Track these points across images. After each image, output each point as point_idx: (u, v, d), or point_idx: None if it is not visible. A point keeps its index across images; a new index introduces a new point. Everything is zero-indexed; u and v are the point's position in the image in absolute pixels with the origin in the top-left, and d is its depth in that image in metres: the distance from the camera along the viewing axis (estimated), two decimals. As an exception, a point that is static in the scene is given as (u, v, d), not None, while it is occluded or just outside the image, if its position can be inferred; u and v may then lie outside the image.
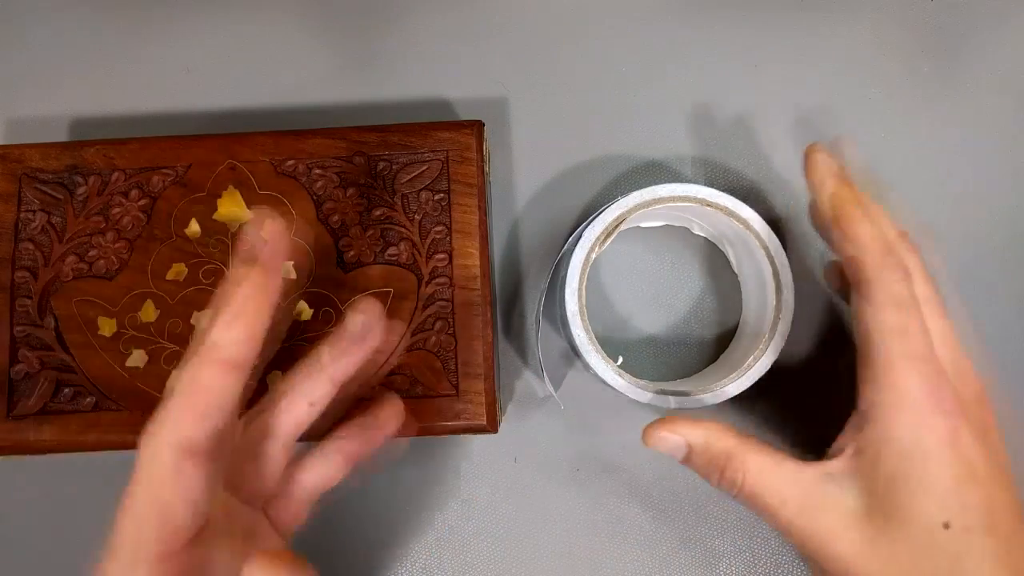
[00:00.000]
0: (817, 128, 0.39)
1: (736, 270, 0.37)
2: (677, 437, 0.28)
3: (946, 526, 0.25)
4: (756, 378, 0.32)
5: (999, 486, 0.26)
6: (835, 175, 0.28)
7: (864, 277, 0.27)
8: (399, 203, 0.33)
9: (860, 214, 0.27)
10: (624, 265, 0.37)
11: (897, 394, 0.26)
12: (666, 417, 0.28)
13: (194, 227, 0.33)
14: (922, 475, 0.25)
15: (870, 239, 0.27)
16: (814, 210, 0.33)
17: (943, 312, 0.29)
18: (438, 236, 0.33)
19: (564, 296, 0.32)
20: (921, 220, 0.38)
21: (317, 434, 0.29)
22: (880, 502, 0.25)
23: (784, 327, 0.32)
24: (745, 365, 0.32)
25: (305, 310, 0.32)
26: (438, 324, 0.32)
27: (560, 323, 0.35)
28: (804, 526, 0.26)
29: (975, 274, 0.37)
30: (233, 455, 0.26)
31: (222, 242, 0.33)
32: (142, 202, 0.33)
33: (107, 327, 0.32)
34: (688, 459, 0.28)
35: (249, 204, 0.33)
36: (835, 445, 0.28)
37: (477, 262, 0.33)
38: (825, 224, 0.30)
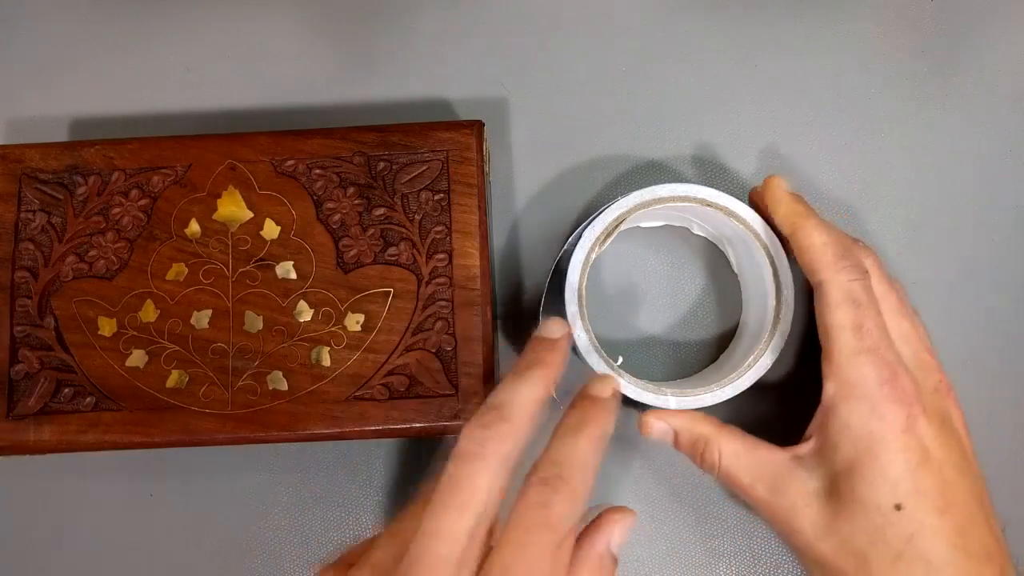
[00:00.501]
0: (817, 128, 0.39)
1: (736, 270, 0.37)
2: (664, 424, 0.31)
3: (898, 507, 0.27)
4: (756, 378, 0.32)
5: (956, 470, 0.27)
6: (788, 196, 0.31)
7: (820, 279, 0.29)
8: (399, 203, 0.33)
9: (812, 224, 0.30)
10: (624, 265, 0.37)
11: (852, 386, 0.28)
12: (655, 409, 0.31)
13: (194, 227, 0.33)
14: (876, 459, 0.27)
15: (823, 244, 0.30)
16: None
17: (903, 309, 0.30)
18: (438, 236, 0.33)
19: (564, 296, 0.32)
20: (919, 221, 0.38)
21: None
22: (839, 485, 0.27)
23: (784, 327, 0.32)
24: (745, 365, 0.32)
25: (305, 310, 0.32)
26: (438, 324, 0.32)
27: (560, 323, 0.35)
28: (772, 503, 0.29)
29: (975, 273, 0.37)
30: None
31: (222, 242, 0.33)
32: (142, 202, 0.33)
33: (107, 327, 0.32)
34: (676, 443, 0.31)
35: (249, 204, 0.33)
36: (806, 433, 0.30)
37: (477, 262, 0.33)
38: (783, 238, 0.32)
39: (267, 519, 0.35)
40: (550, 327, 0.27)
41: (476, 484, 0.22)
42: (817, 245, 0.30)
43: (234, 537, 0.35)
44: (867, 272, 0.29)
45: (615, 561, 0.25)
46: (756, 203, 0.33)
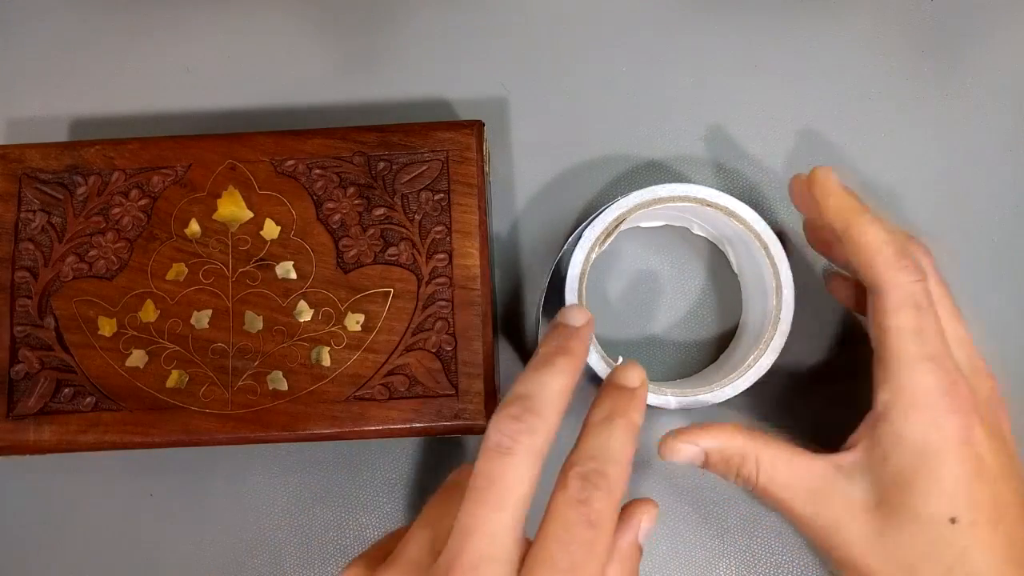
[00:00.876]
0: (817, 128, 0.39)
1: (736, 270, 0.37)
2: (693, 447, 0.28)
3: (953, 521, 0.25)
4: (756, 378, 0.32)
5: (1007, 481, 0.26)
6: (839, 187, 0.29)
7: (879, 280, 0.27)
8: (399, 203, 0.33)
9: (867, 219, 0.28)
10: (624, 265, 0.37)
11: (912, 394, 0.26)
12: (678, 429, 0.29)
13: (194, 227, 0.33)
14: (932, 472, 0.26)
15: (881, 243, 0.27)
16: (811, 228, 0.33)
17: (957, 313, 0.29)
18: (438, 236, 0.33)
19: (564, 296, 0.32)
20: (919, 221, 0.38)
21: None
22: (888, 496, 0.26)
23: (784, 327, 0.32)
24: (745, 365, 0.32)
25: (305, 310, 0.32)
26: (438, 324, 0.32)
27: (560, 323, 0.35)
28: (813, 515, 0.27)
29: (975, 274, 0.37)
30: None
31: (222, 242, 0.33)
32: (142, 202, 0.33)
33: (107, 327, 0.32)
34: (706, 465, 0.29)
35: (249, 204, 0.33)
36: (849, 440, 0.28)
37: (477, 262, 0.33)
38: (825, 238, 0.31)
39: (267, 519, 0.35)
40: (573, 314, 0.26)
41: (510, 480, 0.22)
42: (874, 243, 0.27)
43: (234, 537, 0.35)
44: (925, 273, 0.27)
45: (641, 552, 0.25)
46: (797, 193, 0.31)
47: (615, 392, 0.25)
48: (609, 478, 0.23)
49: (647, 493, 0.35)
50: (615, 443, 0.24)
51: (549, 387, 0.23)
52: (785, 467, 0.28)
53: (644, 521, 0.25)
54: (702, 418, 0.36)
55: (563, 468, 0.23)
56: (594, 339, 0.32)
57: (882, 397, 0.27)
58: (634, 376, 0.26)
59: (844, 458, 0.27)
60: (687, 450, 0.28)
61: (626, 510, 0.25)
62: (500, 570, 0.21)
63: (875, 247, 0.27)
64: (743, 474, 0.28)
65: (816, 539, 0.28)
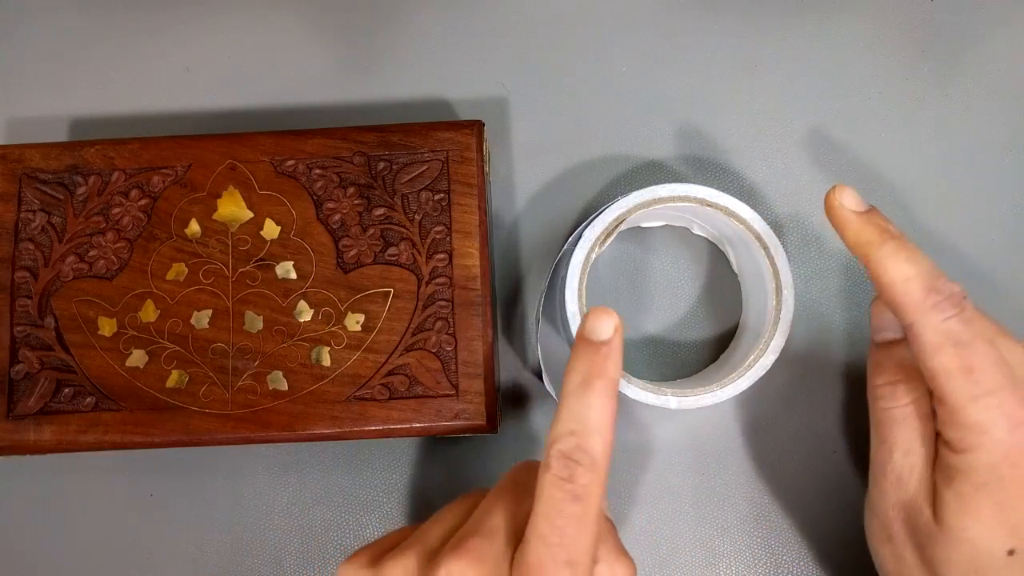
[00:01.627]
0: (816, 128, 0.39)
1: (736, 270, 0.37)
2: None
3: (1011, 553, 0.25)
4: (756, 378, 0.32)
5: None
6: (855, 217, 0.27)
7: (909, 321, 0.25)
8: (399, 203, 0.33)
9: (887, 254, 0.26)
10: (624, 265, 0.37)
11: (979, 433, 0.25)
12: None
13: (194, 227, 0.33)
14: (1000, 505, 0.25)
15: (905, 280, 0.25)
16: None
17: (1003, 330, 0.27)
18: (438, 236, 0.33)
19: (564, 296, 0.32)
20: (920, 221, 0.38)
21: None
22: (949, 517, 0.26)
23: (784, 327, 0.32)
24: (745, 365, 0.32)
25: (305, 310, 0.32)
26: (438, 324, 0.32)
27: (560, 323, 0.35)
28: (894, 490, 0.27)
29: (976, 274, 0.37)
30: None
31: (222, 242, 0.33)
32: (142, 202, 0.33)
33: (107, 327, 0.32)
34: (890, 346, 0.28)
35: (249, 204, 0.33)
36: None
37: (477, 262, 0.33)
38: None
39: (267, 519, 0.35)
40: (599, 325, 0.25)
41: (582, 542, 0.23)
42: (897, 282, 0.25)
43: (234, 537, 0.35)
44: (963, 299, 0.25)
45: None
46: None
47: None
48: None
49: (647, 493, 0.35)
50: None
51: (597, 430, 0.23)
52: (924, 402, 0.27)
53: None
54: (702, 418, 0.36)
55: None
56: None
57: (948, 434, 0.26)
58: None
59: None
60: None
61: None
62: None
63: (899, 287, 0.25)
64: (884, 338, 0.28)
65: (879, 477, 0.28)
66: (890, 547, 0.28)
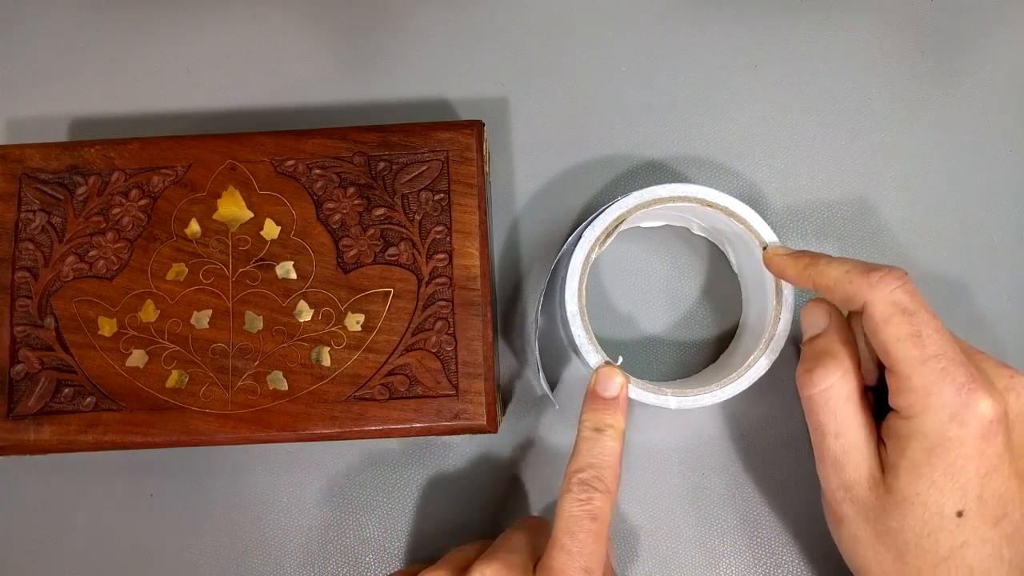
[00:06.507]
0: (816, 128, 0.39)
1: (736, 270, 0.37)
2: (822, 313, 0.30)
3: (960, 514, 0.26)
4: (756, 378, 0.32)
5: (1014, 477, 0.27)
6: (787, 259, 0.31)
7: (860, 301, 0.28)
8: (399, 203, 0.33)
9: (823, 263, 0.29)
10: (624, 265, 0.37)
11: (927, 395, 0.26)
12: (820, 298, 0.30)
13: (194, 227, 0.33)
14: (950, 466, 0.26)
15: (845, 271, 0.28)
16: None
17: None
18: (438, 236, 0.33)
19: (564, 296, 0.32)
20: (920, 221, 0.38)
21: None
22: (900, 484, 0.27)
23: (784, 327, 0.32)
24: (745, 365, 0.32)
25: (305, 310, 0.32)
26: (438, 324, 0.32)
27: (560, 323, 0.35)
28: (834, 473, 0.28)
29: (976, 274, 0.37)
30: None
31: (222, 242, 0.33)
32: (142, 202, 0.33)
33: (107, 327, 0.32)
34: (812, 340, 0.30)
35: (249, 204, 0.33)
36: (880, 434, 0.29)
37: (477, 262, 0.33)
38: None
39: (267, 519, 0.35)
40: (608, 384, 0.30)
41: (597, 554, 0.27)
42: (839, 275, 0.28)
43: (234, 537, 0.35)
44: (905, 273, 0.28)
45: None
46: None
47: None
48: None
49: (647, 493, 0.35)
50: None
51: (607, 463, 0.29)
52: (851, 405, 0.29)
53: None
54: (702, 418, 0.36)
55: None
56: (594, 339, 0.32)
57: (899, 404, 0.27)
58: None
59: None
60: (818, 312, 0.30)
61: None
62: None
63: (843, 279, 0.28)
64: (816, 375, 0.29)
65: (828, 473, 0.29)
66: (844, 529, 0.29)
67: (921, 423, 0.26)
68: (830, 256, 0.30)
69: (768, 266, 0.32)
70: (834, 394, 0.28)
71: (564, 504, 0.28)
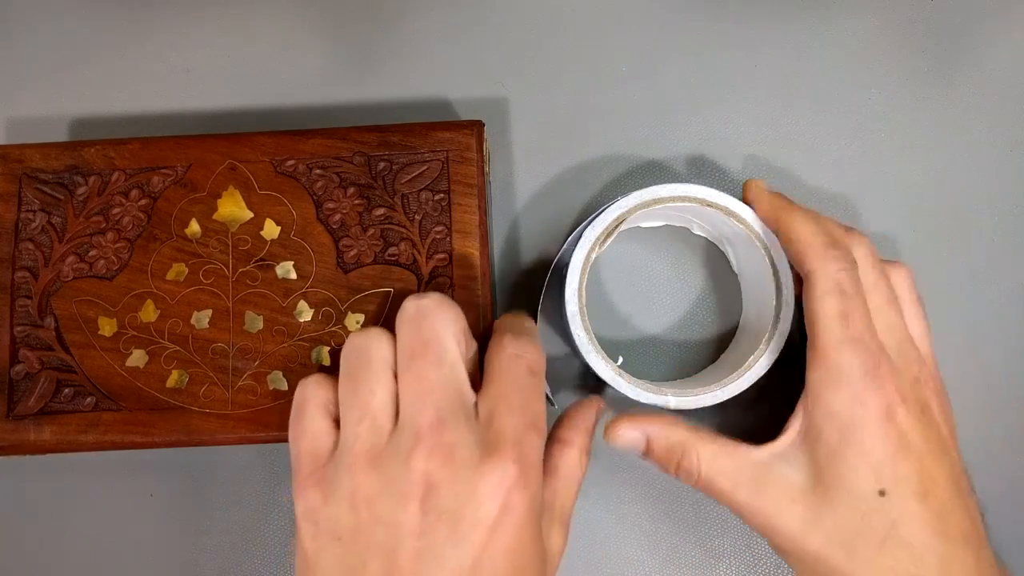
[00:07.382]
0: (816, 128, 0.39)
1: (736, 270, 0.37)
2: (637, 432, 0.30)
3: (882, 493, 0.27)
4: (756, 378, 0.32)
5: (935, 457, 0.28)
6: (766, 193, 0.32)
7: (808, 268, 0.29)
8: (399, 203, 0.33)
9: (797, 215, 0.30)
10: (624, 265, 0.37)
11: (836, 373, 0.28)
12: (623, 413, 0.30)
13: (194, 227, 0.33)
14: (859, 445, 0.27)
15: (811, 234, 0.30)
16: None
17: (891, 298, 0.30)
18: (438, 236, 0.33)
19: (564, 296, 0.32)
20: (919, 221, 0.38)
21: None
22: (823, 474, 0.28)
23: (784, 327, 0.32)
24: (745, 365, 0.32)
25: (305, 310, 0.32)
26: (438, 324, 0.32)
27: (560, 323, 0.35)
28: (753, 504, 0.28)
29: (975, 274, 0.37)
30: None
31: (222, 242, 0.33)
32: (142, 202, 0.33)
33: (107, 327, 0.32)
34: (648, 452, 0.30)
35: (249, 204, 0.33)
36: (785, 426, 0.29)
37: (477, 262, 0.33)
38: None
39: (267, 519, 0.35)
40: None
41: (540, 409, 0.27)
42: (805, 235, 0.30)
43: (234, 537, 0.35)
44: (855, 262, 0.29)
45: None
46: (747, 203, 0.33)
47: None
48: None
49: (646, 493, 0.35)
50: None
51: (529, 325, 0.29)
52: (727, 458, 0.29)
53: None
54: (702, 418, 0.36)
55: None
56: (594, 339, 0.32)
57: (811, 377, 0.29)
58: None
59: (781, 443, 0.29)
60: (628, 435, 0.30)
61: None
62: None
63: (805, 239, 0.30)
64: (684, 466, 0.29)
65: (759, 527, 0.29)
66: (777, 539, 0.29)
67: (830, 402, 0.28)
68: (807, 210, 0.31)
69: (745, 192, 0.33)
70: (717, 473, 0.29)
71: (498, 358, 0.27)
